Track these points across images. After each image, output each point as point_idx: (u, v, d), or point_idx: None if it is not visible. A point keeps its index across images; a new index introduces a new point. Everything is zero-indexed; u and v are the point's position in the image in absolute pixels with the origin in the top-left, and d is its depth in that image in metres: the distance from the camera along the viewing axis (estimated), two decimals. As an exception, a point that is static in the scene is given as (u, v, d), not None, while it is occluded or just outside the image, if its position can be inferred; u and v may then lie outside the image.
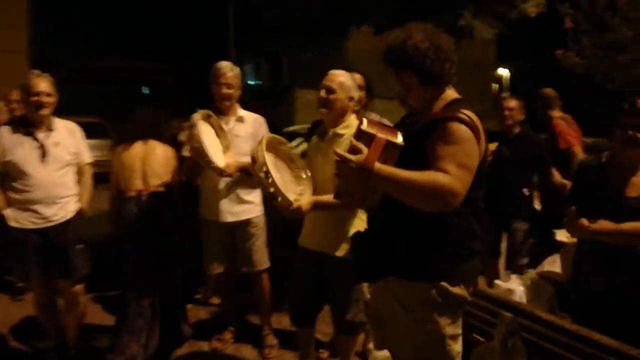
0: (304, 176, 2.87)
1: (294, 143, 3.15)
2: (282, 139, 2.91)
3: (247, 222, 3.65)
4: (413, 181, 1.81)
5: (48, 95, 3.33)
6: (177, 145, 6.00)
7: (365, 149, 1.83)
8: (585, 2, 7.01)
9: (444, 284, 2.04)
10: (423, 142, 1.94)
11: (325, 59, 22.92)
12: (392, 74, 2.11)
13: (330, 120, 2.89)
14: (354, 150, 1.85)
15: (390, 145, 1.85)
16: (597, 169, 2.68)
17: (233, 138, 3.59)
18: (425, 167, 1.87)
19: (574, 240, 3.64)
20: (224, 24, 17.02)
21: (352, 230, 2.74)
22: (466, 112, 1.96)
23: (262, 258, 3.71)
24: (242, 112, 3.71)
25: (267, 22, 13.95)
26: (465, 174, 1.86)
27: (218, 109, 3.63)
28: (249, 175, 3.55)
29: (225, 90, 3.55)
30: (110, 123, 13.75)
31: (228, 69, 3.58)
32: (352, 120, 2.91)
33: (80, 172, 3.56)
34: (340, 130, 2.87)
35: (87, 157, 3.61)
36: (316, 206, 2.73)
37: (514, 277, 3.02)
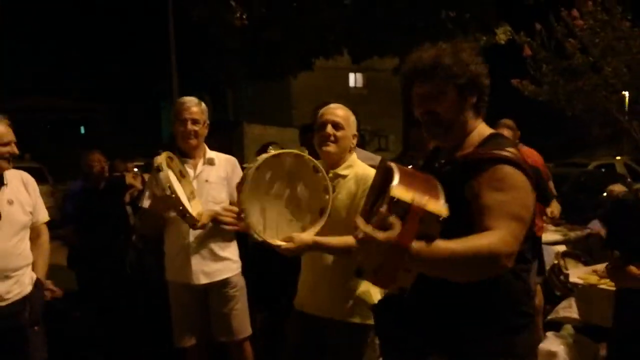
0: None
1: None
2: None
3: (223, 283, 3.10)
4: (459, 256, 1.43)
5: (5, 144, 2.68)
6: (124, 190, 5.47)
7: (397, 224, 1.35)
8: (542, 30, 6.97)
9: None
10: (462, 184, 1.60)
11: (270, 93, 23.06)
12: (448, 94, 1.70)
13: (333, 160, 2.45)
14: (383, 223, 1.37)
15: (432, 218, 1.39)
16: (635, 207, 2.42)
17: (202, 184, 3.07)
18: (462, 214, 1.51)
19: (591, 282, 3.35)
20: (165, 55, 16.34)
21: (363, 289, 2.38)
22: (514, 151, 1.63)
23: (243, 324, 3.15)
24: (210, 153, 3.20)
25: (211, 51, 13.49)
26: (518, 228, 1.53)
27: (181, 150, 3.11)
28: (222, 225, 3.08)
29: (190, 127, 3.05)
30: (46, 167, 12.90)
31: (193, 103, 3.09)
32: (353, 160, 2.51)
33: (35, 234, 2.89)
34: (342, 171, 2.47)
35: (44, 215, 2.96)
36: (314, 247, 2.32)
37: (550, 335, 2.61)
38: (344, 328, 2.39)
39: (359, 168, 2.47)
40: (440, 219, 1.38)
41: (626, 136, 6.41)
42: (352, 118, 2.50)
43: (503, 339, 1.66)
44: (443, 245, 1.40)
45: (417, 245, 1.36)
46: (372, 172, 2.41)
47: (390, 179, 1.47)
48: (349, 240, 2.26)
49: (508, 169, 1.57)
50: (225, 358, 3.29)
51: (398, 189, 1.39)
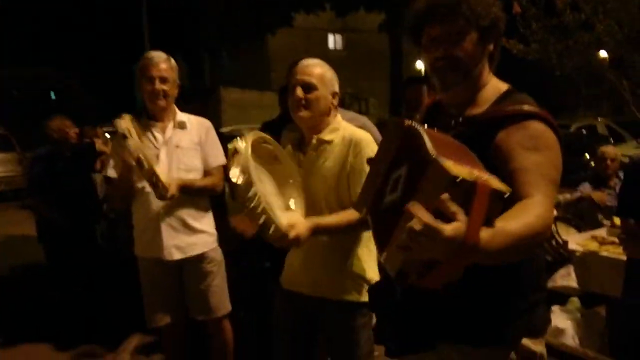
0: (291, 181, 2.12)
1: None
2: (267, 137, 2.13)
3: (199, 258, 2.83)
4: (522, 238, 1.18)
5: None
6: (93, 157, 5.14)
7: (461, 213, 1.02)
8: (531, -15, 6.67)
9: (526, 342, 1.48)
10: (485, 147, 1.38)
11: (247, 57, 22.45)
12: (468, 37, 1.46)
13: (311, 125, 2.16)
14: (439, 211, 1.02)
15: (496, 197, 1.08)
16: None
17: (172, 150, 2.78)
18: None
19: (591, 248, 3.17)
20: (138, 21, 15.62)
21: (359, 264, 2.14)
22: (536, 106, 1.45)
23: (221, 301, 2.90)
24: (181, 115, 2.88)
25: (186, 18, 12.93)
26: (554, 192, 1.37)
27: (149, 113, 2.80)
28: (197, 195, 2.83)
29: (158, 86, 2.72)
30: (15, 134, 12.40)
31: (161, 58, 2.75)
32: (338, 122, 2.21)
33: None
34: (326, 135, 2.17)
35: None
36: (317, 231, 2.00)
37: (556, 309, 2.43)
38: (339, 306, 2.16)
39: (345, 131, 2.18)
40: (506, 196, 1.09)
41: (610, 96, 6.21)
42: (329, 75, 2.16)
43: (525, 317, 1.48)
44: (506, 229, 1.13)
45: (485, 236, 1.06)
46: (361, 134, 2.16)
47: (416, 143, 1.18)
48: (349, 215, 2.01)
49: (539, 126, 1.39)
50: (204, 336, 3.06)
51: (454, 165, 1.06)
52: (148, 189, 2.71)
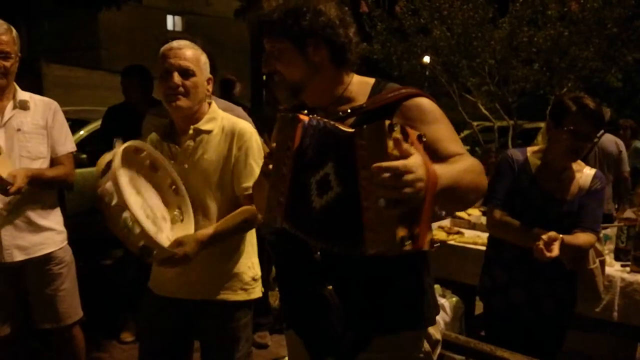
0: (174, 187, 1.93)
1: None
2: (140, 144, 1.88)
3: (46, 259, 2.48)
4: (465, 172, 1.26)
5: None
6: None
7: (409, 148, 1.07)
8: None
9: (430, 330, 1.49)
10: None
11: (73, 29, 20.39)
12: (284, 50, 1.44)
13: (186, 115, 1.98)
14: (396, 160, 1.05)
15: (418, 136, 1.13)
16: (522, 166, 2.37)
17: (12, 134, 2.39)
18: None
19: (440, 238, 3.40)
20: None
21: (244, 261, 2.06)
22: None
23: (71, 307, 2.58)
24: (23, 94, 2.49)
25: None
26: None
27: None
28: (45, 188, 2.47)
29: None
30: None
31: (2, 28, 2.34)
32: (214, 111, 2.06)
33: None
34: (204, 125, 2.01)
35: None
36: (207, 243, 1.85)
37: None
38: (223, 307, 2.03)
39: (224, 120, 2.04)
40: (424, 138, 1.13)
41: (442, 98, 6.84)
42: (204, 58, 2.01)
43: (427, 299, 1.48)
44: (447, 166, 1.21)
45: (439, 170, 1.12)
46: (243, 125, 2.04)
47: (327, 132, 1.22)
48: (239, 216, 1.90)
49: (427, 101, 1.41)
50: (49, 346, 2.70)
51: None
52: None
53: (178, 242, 1.77)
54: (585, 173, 2.32)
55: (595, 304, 2.69)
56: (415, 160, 1.04)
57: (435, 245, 1.16)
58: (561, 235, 2.10)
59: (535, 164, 2.34)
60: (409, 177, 1.02)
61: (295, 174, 1.27)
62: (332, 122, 1.26)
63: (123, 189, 1.61)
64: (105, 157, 1.70)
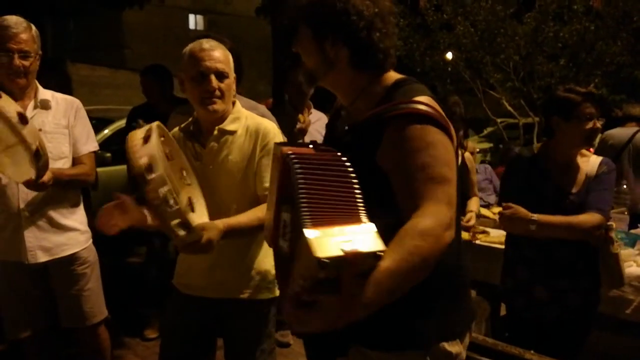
0: (185, 175, 1.92)
1: None
2: (165, 130, 1.88)
3: (70, 259, 2.49)
4: (404, 270, 1.11)
5: None
6: None
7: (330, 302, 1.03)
8: (397, -18, 6.94)
9: (443, 345, 1.42)
10: (372, 154, 1.32)
11: (98, 29, 20.66)
12: (304, 35, 1.41)
13: (219, 116, 1.96)
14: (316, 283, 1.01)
15: (368, 258, 1.04)
16: (531, 162, 2.41)
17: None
18: (384, 188, 1.28)
19: (465, 238, 3.35)
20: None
21: (268, 260, 2.04)
22: (424, 99, 1.32)
23: (96, 307, 2.58)
24: (45, 93, 2.49)
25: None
26: (449, 190, 1.25)
27: (5, 90, 2.37)
28: (66, 187, 2.46)
29: (18, 62, 2.30)
30: None
31: (21, 27, 2.32)
32: (239, 110, 2.04)
33: None
34: (229, 126, 1.99)
35: None
36: (228, 234, 1.82)
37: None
38: (248, 305, 2.03)
39: (248, 120, 2.02)
40: (379, 254, 1.04)
41: (463, 94, 6.74)
42: (230, 57, 1.98)
43: (440, 319, 1.43)
44: (381, 273, 1.07)
45: (363, 297, 1.05)
46: (267, 125, 2.02)
47: (293, 188, 1.09)
48: (258, 212, 1.87)
49: (419, 125, 1.27)
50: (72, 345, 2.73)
51: (318, 244, 0.99)
52: (4, 181, 2.32)
53: (201, 228, 1.73)
54: (591, 161, 2.35)
55: (624, 305, 2.63)
56: (318, 314, 1.02)
57: None
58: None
59: (543, 159, 2.37)
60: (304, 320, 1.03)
61: (277, 204, 1.27)
62: (310, 166, 1.15)
63: (162, 164, 1.60)
64: (137, 134, 1.68)
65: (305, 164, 1.11)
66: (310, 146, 1.22)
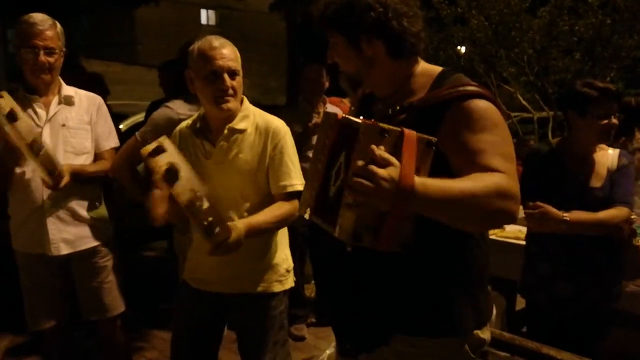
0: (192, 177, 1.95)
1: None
2: (164, 142, 1.90)
3: (91, 252, 2.53)
4: (472, 193, 1.19)
5: None
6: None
7: (391, 158, 1.12)
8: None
9: (477, 332, 1.47)
10: (431, 128, 1.31)
11: (110, 25, 20.78)
12: (338, 43, 1.46)
13: (231, 114, 1.98)
14: (375, 161, 1.11)
15: (424, 142, 1.17)
16: (550, 158, 2.39)
17: (57, 129, 2.44)
18: (438, 171, 1.24)
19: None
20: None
21: (279, 253, 2.08)
22: (476, 84, 1.38)
23: (116, 300, 2.62)
24: (68, 89, 2.53)
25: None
26: (514, 168, 1.31)
27: (30, 86, 2.43)
28: (87, 182, 2.50)
29: (43, 58, 2.34)
30: None
31: (47, 24, 2.36)
32: (247, 108, 2.05)
33: None
34: (238, 124, 2.00)
35: None
36: (251, 233, 1.85)
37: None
38: (260, 298, 2.05)
39: (257, 117, 2.03)
40: (433, 143, 1.16)
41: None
42: (238, 53, 1.99)
43: (474, 305, 1.46)
44: (447, 182, 1.18)
45: (419, 181, 1.13)
46: (277, 123, 2.03)
47: (349, 128, 1.20)
48: (277, 210, 1.90)
49: (481, 104, 1.32)
50: (91, 337, 2.77)
51: (377, 123, 1.14)
52: (29, 174, 2.36)
53: (231, 227, 1.77)
54: (610, 154, 2.35)
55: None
56: (383, 170, 1.10)
57: (407, 246, 1.19)
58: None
59: (563, 154, 2.35)
60: (368, 186, 1.09)
61: (326, 170, 1.30)
62: (361, 119, 1.24)
63: (187, 165, 1.63)
64: (148, 149, 1.72)
65: (363, 124, 1.17)
66: (361, 118, 1.28)
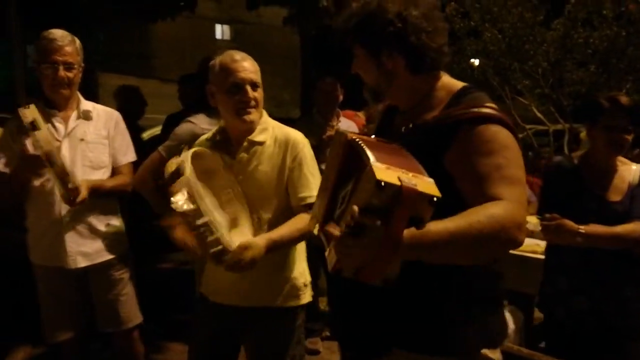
0: (230, 192, 1.97)
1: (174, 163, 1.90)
2: (202, 150, 1.94)
3: (108, 265, 2.55)
4: (460, 237, 1.15)
5: None
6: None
7: (379, 227, 1.08)
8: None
9: (485, 352, 1.43)
10: (439, 154, 1.33)
11: (126, 39, 21.07)
12: (360, 56, 1.48)
13: (253, 126, 2.01)
14: (368, 209, 1.08)
15: (424, 200, 1.09)
16: (570, 171, 2.38)
17: (75, 144, 2.47)
18: (446, 190, 1.18)
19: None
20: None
21: (297, 267, 2.08)
22: (493, 106, 1.37)
23: (132, 311, 2.64)
24: (86, 104, 2.57)
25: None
26: (521, 191, 1.28)
27: (49, 101, 2.47)
28: (104, 196, 2.53)
29: (63, 74, 2.39)
30: None
31: (66, 40, 2.41)
32: (266, 121, 2.07)
33: None
34: (258, 137, 2.02)
35: None
36: (271, 248, 1.86)
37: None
38: (277, 313, 2.05)
39: (275, 130, 2.05)
40: (435, 199, 1.09)
41: (499, 102, 6.69)
42: (258, 67, 2.03)
43: (483, 325, 1.43)
44: (439, 227, 1.13)
45: (408, 234, 1.09)
46: (295, 135, 2.05)
47: (358, 156, 1.17)
48: (298, 224, 1.90)
49: (495, 128, 1.30)
50: (107, 349, 2.79)
51: (380, 170, 1.08)
52: (47, 187, 2.40)
53: (244, 247, 1.77)
54: (632, 169, 2.33)
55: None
56: (366, 243, 1.07)
57: (389, 281, 1.15)
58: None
59: (583, 168, 2.34)
60: (345, 250, 1.09)
61: (334, 188, 1.30)
62: (374, 144, 1.23)
63: (201, 198, 1.66)
64: (172, 164, 1.74)
65: (369, 145, 1.18)
66: (373, 136, 1.28)
